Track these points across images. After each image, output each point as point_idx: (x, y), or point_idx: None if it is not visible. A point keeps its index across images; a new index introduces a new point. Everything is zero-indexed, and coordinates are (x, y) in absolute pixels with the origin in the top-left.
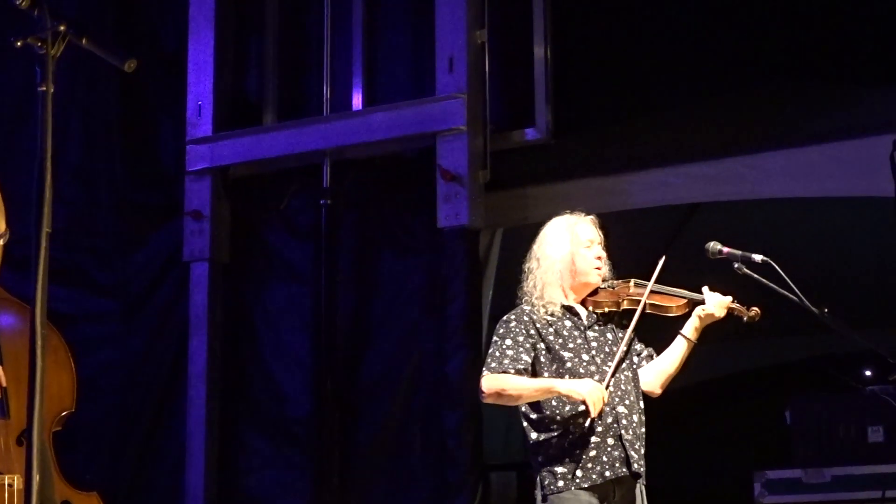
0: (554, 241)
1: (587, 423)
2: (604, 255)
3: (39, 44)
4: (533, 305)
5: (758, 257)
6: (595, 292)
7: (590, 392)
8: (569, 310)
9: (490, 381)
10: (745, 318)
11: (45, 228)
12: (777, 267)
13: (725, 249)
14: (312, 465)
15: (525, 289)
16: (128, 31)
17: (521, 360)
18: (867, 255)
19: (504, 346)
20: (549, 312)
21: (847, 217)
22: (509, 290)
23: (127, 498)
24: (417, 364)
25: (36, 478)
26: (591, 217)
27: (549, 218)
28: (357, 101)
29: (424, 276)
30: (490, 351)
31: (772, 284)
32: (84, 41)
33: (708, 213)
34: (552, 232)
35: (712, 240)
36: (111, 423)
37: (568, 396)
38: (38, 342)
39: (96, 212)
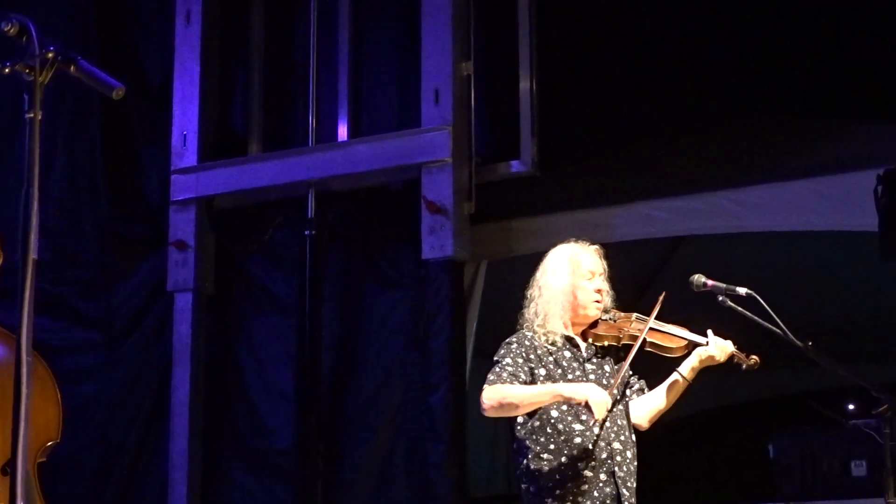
0: (555, 271)
1: (593, 429)
2: (605, 286)
3: (27, 70)
4: (534, 332)
5: (742, 290)
6: (595, 324)
7: (593, 394)
8: (569, 340)
9: (490, 392)
10: (744, 366)
11: (32, 255)
12: (761, 300)
13: (710, 282)
14: (296, 498)
15: (526, 315)
16: (113, 62)
17: (520, 376)
18: (851, 290)
19: (504, 363)
20: (549, 341)
21: (831, 251)
22: (494, 323)
23: None
24: (401, 397)
25: None
26: (595, 247)
27: (534, 250)
28: (342, 132)
29: (409, 308)
30: (491, 369)
31: (756, 318)
32: (72, 69)
33: (692, 247)
34: (554, 261)
35: (697, 273)
36: (95, 454)
37: (571, 398)
38: (24, 370)
39: (81, 243)
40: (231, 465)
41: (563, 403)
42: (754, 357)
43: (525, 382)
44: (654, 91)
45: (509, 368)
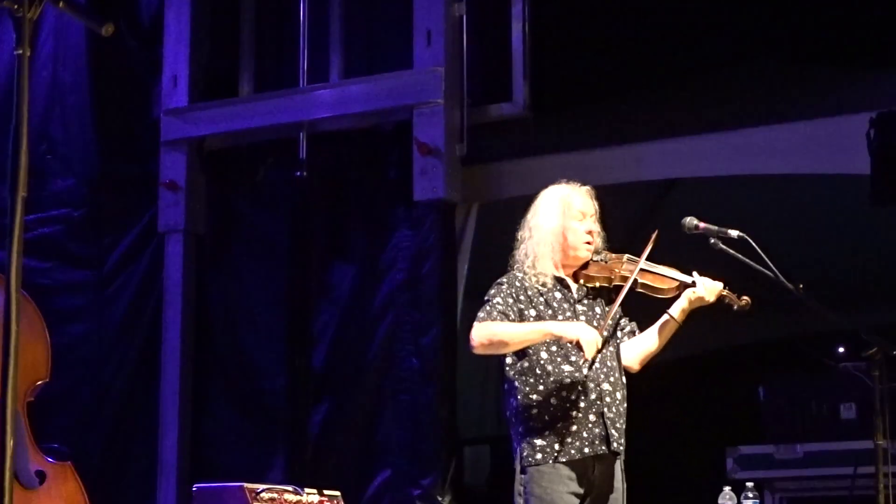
0: (546, 212)
1: (583, 368)
2: (596, 227)
3: (16, 6)
4: (525, 274)
5: (734, 233)
6: (586, 265)
7: (585, 333)
8: (559, 282)
9: (480, 330)
10: (735, 307)
11: (21, 193)
12: (753, 243)
13: (702, 225)
14: (285, 438)
15: (517, 257)
16: (104, 1)
17: (510, 316)
18: (843, 233)
19: (495, 302)
20: (539, 282)
21: (824, 195)
22: (485, 265)
23: (100, 469)
24: (392, 338)
25: (10, 444)
26: (587, 188)
27: (526, 193)
28: (334, 73)
29: (400, 250)
30: (481, 307)
31: (748, 260)
32: (61, 4)
33: (685, 190)
34: (545, 203)
35: (689, 215)
36: (85, 394)
37: (562, 337)
38: (14, 309)
39: (71, 182)
40: (221, 405)
41: (553, 343)
42: (745, 298)
43: (516, 319)
44: (648, 35)
45: (500, 307)
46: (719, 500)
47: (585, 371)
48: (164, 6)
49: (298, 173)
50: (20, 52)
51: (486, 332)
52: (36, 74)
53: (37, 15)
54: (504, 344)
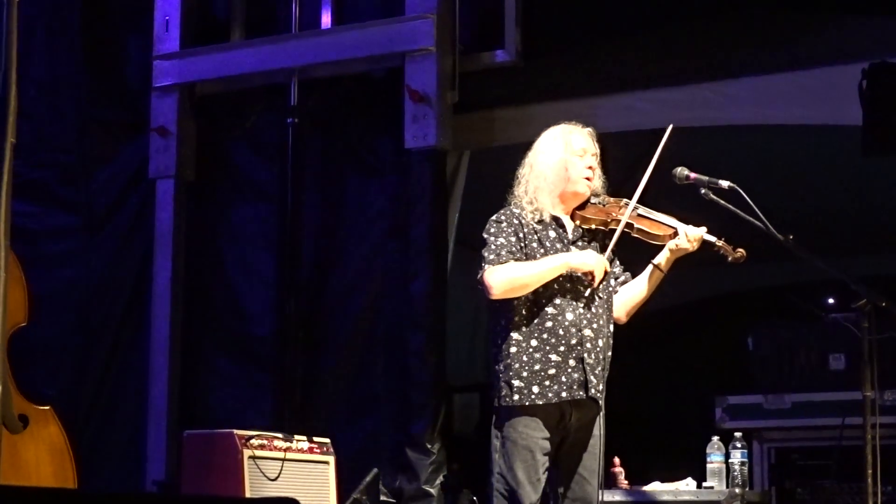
0: (547, 147)
1: (587, 292)
2: (596, 166)
3: None
4: (522, 209)
5: (724, 183)
6: (584, 206)
7: (596, 263)
8: (556, 220)
9: (497, 273)
10: (729, 258)
11: (10, 139)
12: (743, 193)
13: (692, 175)
14: (275, 384)
15: (516, 193)
16: None
17: (516, 252)
18: (833, 184)
19: (499, 243)
20: (536, 219)
21: (814, 145)
22: (476, 213)
23: (89, 413)
24: (381, 285)
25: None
26: (589, 129)
27: (517, 141)
28: (326, 19)
29: (390, 197)
30: (484, 249)
31: (738, 210)
32: None
33: (676, 139)
34: (546, 139)
35: (680, 165)
36: (74, 339)
37: (579, 269)
38: (2, 254)
39: (60, 127)
40: (211, 351)
41: (534, 304)
42: (741, 250)
43: (522, 258)
44: None
45: (506, 247)
46: (707, 450)
47: (570, 317)
48: None
49: (289, 119)
50: None
51: (505, 276)
52: (26, 18)
53: None
54: (525, 286)
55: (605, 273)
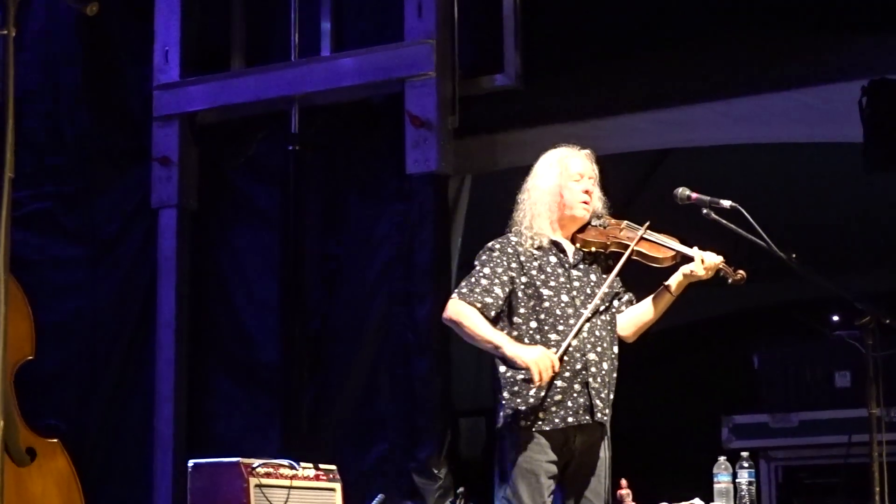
0: (543, 173)
1: (531, 391)
2: (594, 190)
3: None
4: (521, 235)
5: (726, 203)
6: (584, 229)
7: (536, 360)
8: (556, 245)
9: (454, 308)
10: (730, 280)
11: (8, 173)
12: (745, 213)
13: (694, 195)
14: (281, 410)
15: (515, 219)
16: None
17: (493, 292)
18: (835, 201)
19: (480, 275)
20: (535, 245)
21: (816, 163)
22: (479, 236)
23: (96, 443)
24: (386, 310)
25: (0, 424)
26: (586, 152)
27: (519, 164)
28: (325, 46)
29: (393, 222)
30: (468, 275)
31: (740, 230)
32: None
33: (677, 159)
34: (543, 164)
35: (681, 186)
36: (80, 369)
37: (513, 360)
38: (1, 288)
39: (63, 157)
40: (217, 378)
41: (542, 312)
42: (741, 272)
43: (497, 298)
44: (639, 4)
45: (484, 282)
46: (714, 470)
47: (575, 343)
48: None
49: (291, 147)
50: (5, 32)
51: (457, 316)
52: (27, 49)
53: None
54: (465, 335)
55: (593, 314)
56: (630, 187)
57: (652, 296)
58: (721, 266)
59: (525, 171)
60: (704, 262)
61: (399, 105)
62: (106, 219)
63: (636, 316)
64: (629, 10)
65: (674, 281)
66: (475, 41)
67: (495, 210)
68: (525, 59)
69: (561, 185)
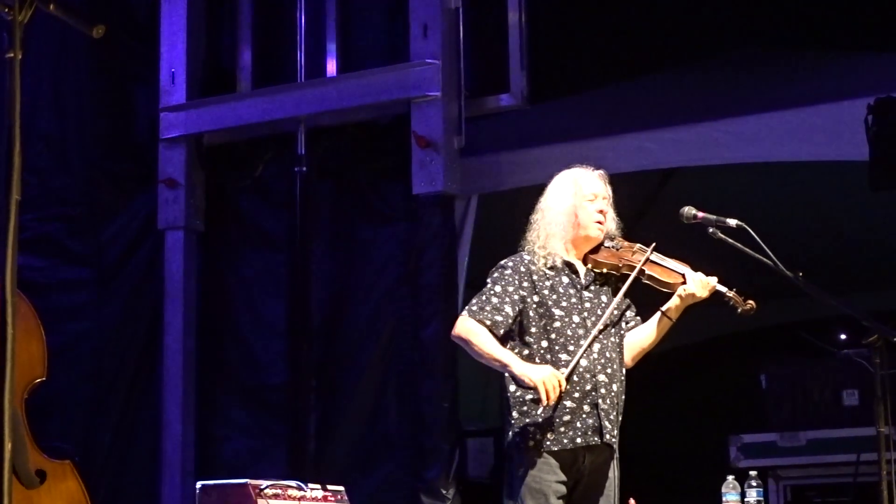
0: (557, 192)
1: (539, 410)
2: (609, 210)
3: (6, 10)
4: (534, 255)
5: (732, 222)
6: (597, 250)
7: (543, 379)
8: (568, 265)
9: (464, 326)
10: (739, 310)
11: (15, 196)
12: (752, 231)
13: (700, 214)
14: (288, 433)
15: (528, 238)
16: None
17: (503, 311)
18: (841, 220)
19: (491, 293)
20: (548, 265)
21: (822, 182)
22: (486, 257)
23: (104, 465)
24: (393, 331)
25: (8, 445)
26: (600, 172)
27: (525, 184)
28: (331, 67)
29: (399, 243)
30: (479, 293)
31: (747, 249)
32: (51, 7)
33: (683, 179)
34: (557, 184)
35: (687, 205)
36: (87, 392)
37: (521, 379)
38: (9, 310)
39: (69, 180)
40: (224, 401)
41: (553, 332)
42: (751, 302)
43: (507, 317)
44: (645, 23)
45: (494, 301)
46: (723, 489)
47: (584, 363)
48: (159, 1)
49: (297, 168)
50: (11, 55)
51: (466, 334)
52: (33, 72)
53: (27, 18)
54: (473, 353)
55: (602, 334)
56: (636, 206)
57: (650, 321)
58: (722, 290)
59: (532, 189)
60: (698, 282)
61: (405, 126)
62: (112, 241)
63: (634, 340)
64: (634, 30)
65: (671, 304)
66: (481, 61)
67: (502, 230)
68: (531, 79)
69: (575, 205)
